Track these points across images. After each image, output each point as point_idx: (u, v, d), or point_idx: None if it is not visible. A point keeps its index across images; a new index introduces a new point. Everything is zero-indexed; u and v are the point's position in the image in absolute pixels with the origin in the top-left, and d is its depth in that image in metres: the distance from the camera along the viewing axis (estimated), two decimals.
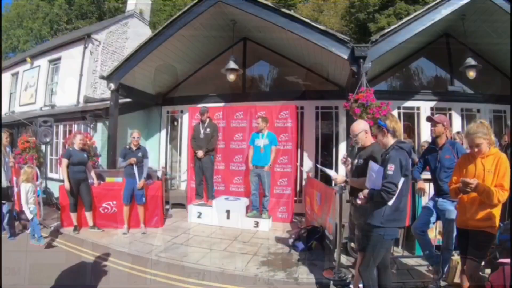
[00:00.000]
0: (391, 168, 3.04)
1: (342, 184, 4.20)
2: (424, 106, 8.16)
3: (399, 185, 3.09)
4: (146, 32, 15.65)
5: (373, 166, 3.26)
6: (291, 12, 6.81)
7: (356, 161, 3.81)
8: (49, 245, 5.78)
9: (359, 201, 3.35)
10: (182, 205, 8.59)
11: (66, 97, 12.77)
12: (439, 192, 4.23)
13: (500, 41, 7.10)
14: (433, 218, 4.32)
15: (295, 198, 8.04)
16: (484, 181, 3.11)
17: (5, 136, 6.46)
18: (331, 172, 4.49)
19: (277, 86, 9.82)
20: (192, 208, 7.53)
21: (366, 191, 3.27)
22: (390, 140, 3.29)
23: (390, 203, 3.10)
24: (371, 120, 5.32)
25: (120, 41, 14.74)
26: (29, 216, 5.76)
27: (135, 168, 6.46)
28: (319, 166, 4.77)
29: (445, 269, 4.20)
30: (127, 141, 9.15)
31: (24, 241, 5.90)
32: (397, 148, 3.17)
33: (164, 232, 6.64)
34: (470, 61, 6.88)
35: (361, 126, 3.80)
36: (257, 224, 6.94)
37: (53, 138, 9.27)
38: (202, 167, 7.57)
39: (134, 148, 6.61)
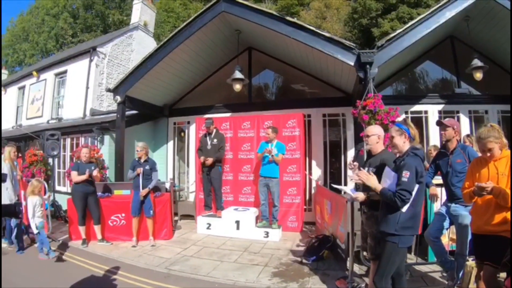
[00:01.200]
0: (406, 175, 2.98)
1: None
2: (431, 110, 8.11)
3: (414, 192, 3.03)
4: (150, 44, 15.82)
5: (389, 172, 3.20)
6: (296, 20, 6.81)
7: (366, 169, 3.75)
8: (59, 259, 5.72)
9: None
10: (191, 217, 8.54)
11: (73, 110, 12.86)
12: (452, 197, 4.16)
13: (505, 40, 7.05)
14: (446, 224, 4.26)
15: (305, 207, 7.96)
16: (498, 184, 3.05)
17: (13, 150, 6.45)
18: (348, 190, 4.41)
19: (283, 95, 9.83)
20: (201, 220, 7.48)
21: (378, 186, 3.20)
22: (407, 146, 3.25)
23: (404, 209, 3.04)
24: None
25: (126, 53, 14.87)
26: (35, 231, 5.74)
27: (140, 179, 6.44)
28: (335, 186, 4.66)
29: (460, 275, 4.12)
30: (134, 153, 9.18)
31: (32, 255, 5.86)
32: (412, 155, 3.12)
33: (173, 244, 6.58)
34: (477, 62, 6.82)
35: (376, 130, 3.77)
36: (267, 234, 6.87)
37: (61, 151, 9.29)
38: (210, 178, 7.52)
39: (142, 161, 6.60)
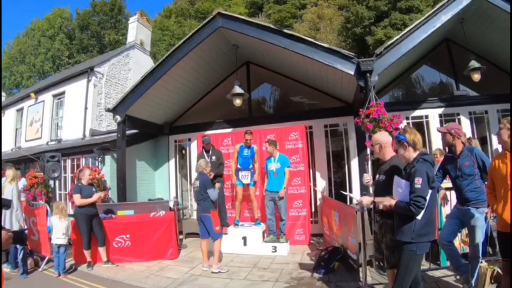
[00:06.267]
0: (418, 181, 2.98)
1: (371, 206, 4.05)
2: (432, 114, 8.11)
3: (427, 198, 3.01)
4: (147, 63, 15.92)
5: (399, 181, 3.18)
6: (294, 33, 6.84)
7: (377, 176, 3.73)
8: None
9: (381, 206, 3.31)
10: (196, 234, 8.39)
11: (72, 131, 12.83)
12: (463, 200, 4.13)
13: (500, 40, 7.11)
14: (458, 227, 4.25)
15: (311, 219, 7.89)
16: None
17: (12, 172, 6.37)
18: (355, 196, 4.39)
19: (283, 108, 9.83)
20: None
21: (392, 202, 3.18)
22: (411, 154, 3.23)
23: (419, 217, 3.01)
24: None
25: (123, 72, 14.91)
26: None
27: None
28: (344, 192, 4.64)
29: (475, 277, 4.06)
30: (136, 172, 9.13)
31: (36, 279, 5.83)
32: (422, 161, 3.12)
33: (180, 264, 6.46)
34: (474, 63, 6.84)
35: (377, 138, 3.79)
36: (275, 249, 6.77)
37: (61, 173, 9.19)
38: None
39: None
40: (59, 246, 5.85)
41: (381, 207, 3.30)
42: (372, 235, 4.55)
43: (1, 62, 29.11)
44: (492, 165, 3.42)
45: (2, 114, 17.18)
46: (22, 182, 8.69)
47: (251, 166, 7.40)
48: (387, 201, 3.24)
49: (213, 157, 7.56)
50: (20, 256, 6.07)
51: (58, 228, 5.88)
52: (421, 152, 3.23)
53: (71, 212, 6.78)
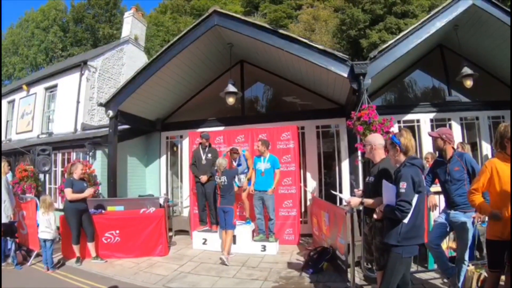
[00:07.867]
0: (403, 186, 3.01)
1: (360, 208, 4.09)
2: (423, 118, 8.21)
3: (413, 202, 3.04)
4: (141, 58, 15.83)
5: (386, 185, 3.22)
6: (289, 33, 6.85)
7: (367, 178, 3.77)
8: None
9: (375, 216, 3.32)
10: (186, 232, 8.42)
11: (63, 125, 12.72)
12: (451, 205, 4.17)
13: (493, 47, 7.22)
14: (446, 231, 4.29)
15: (301, 219, 7.92)
16: None
17: (5, 164, 6.33)
18: (344, 196, 4.42)
19: (276, 107, 9.85)
20: (197, 235, 7.38)
21: (382, 206, 3.23)
22: (401, 157, 3.28)
23: (405, 220, 3.05)
24: None
25: (116, 67, 14.80)
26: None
27: None
28: (333, 192, 4.69)
29: (462, 280, 4.13)
30: (126, 168, 9.09)
31: (25, 273, 5.81)
32: (409, 165, 3.15)
33: (169, 261, 6.46)
34: (467, 70, 6.92)
35: (369, 139, 3.84)
36: (264, 248, 6.80)
37: (52, 166, 9.10)
38: (205, 193, 7.46)
39: None
40: (45, 240, 5.83)
41: (375, 216, 3.33)
42: (361, 237, 4.61)
43: (1, 57, 28.69)
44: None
45: None
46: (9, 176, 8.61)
47: (246, 170, 7.47)
48: (378, 209, 3.28)
49: (209, 155, 7.55)
50: (12, 248, 6.11)
51: (42, 222, 5.87)
52: (409, 156, 3.26)
53: (61, 206, 6.73)
